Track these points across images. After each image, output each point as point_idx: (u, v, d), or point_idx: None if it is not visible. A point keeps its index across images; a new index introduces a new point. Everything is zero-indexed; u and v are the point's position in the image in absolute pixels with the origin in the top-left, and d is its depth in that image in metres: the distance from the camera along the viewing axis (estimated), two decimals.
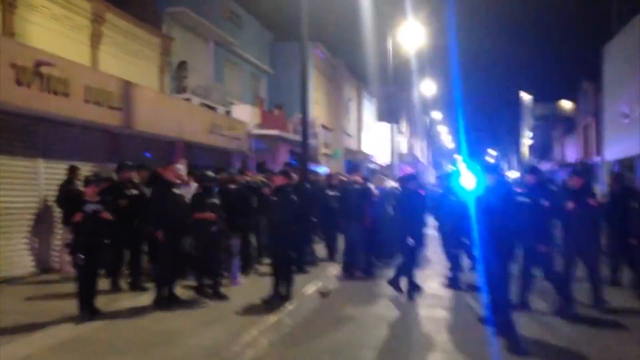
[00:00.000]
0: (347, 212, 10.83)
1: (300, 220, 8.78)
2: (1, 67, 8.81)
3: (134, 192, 9.02)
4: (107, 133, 12.23)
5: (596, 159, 40.18)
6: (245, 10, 23.80)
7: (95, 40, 13.99)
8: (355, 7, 26.91)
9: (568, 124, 54.56)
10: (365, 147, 40.55)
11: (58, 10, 12.45)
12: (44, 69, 9.62)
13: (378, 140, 43.69)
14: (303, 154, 12.01)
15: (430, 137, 65.36)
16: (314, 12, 17.90)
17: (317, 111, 29.61)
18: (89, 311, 6.96)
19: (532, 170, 8.76)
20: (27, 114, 9.84)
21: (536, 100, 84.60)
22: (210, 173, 8.79)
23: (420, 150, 63.85)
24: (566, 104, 69.25)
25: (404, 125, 54.05)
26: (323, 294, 9.36)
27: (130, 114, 12.21)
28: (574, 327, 7.09)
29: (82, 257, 6.84)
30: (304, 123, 12.06)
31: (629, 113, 32.58)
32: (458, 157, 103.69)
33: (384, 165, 44.68)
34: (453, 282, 9.78)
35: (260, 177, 12.07)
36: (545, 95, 75.85)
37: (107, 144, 12.34)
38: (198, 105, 16.50)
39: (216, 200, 8.28)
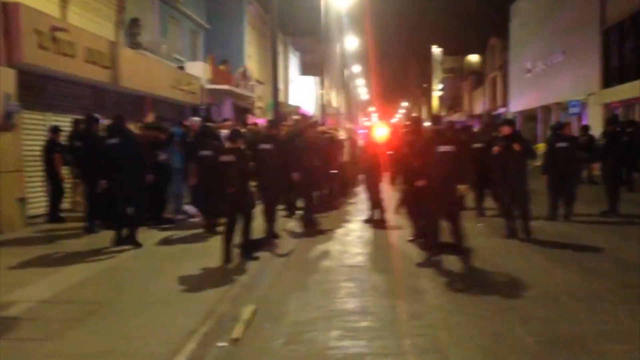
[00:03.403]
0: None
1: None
2: (28, 34, 10.15)
3: None
4: (95, 89, 13.59)
5: (502, 110, 44.08)
6: None
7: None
8: None
9: (476, 77, 58.45)
10: (292, 100, 42.41)
11: None
12: (57, 34, 10.97)
13: (302, 93, 45.67)
14: (276, 112, 13.88)
15: (348, 89, 67.77)
16: None
17: (251, 65, 31.16)
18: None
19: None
20: (39, 73, 11.14)
21: (445, 53, 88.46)
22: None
23: (338, 102, 66.28)
24: (473, 58, 73.49)
25: (325, 78, 56.12)
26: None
27: (117, 72, 13.63)
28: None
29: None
30: (275, 92, 13.90)
31: (531, 69, 36.25)
32: (371, 109, 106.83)
33: (309, 116, 46.83)
34: None
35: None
36: (454, 50, 79.65)
37: (94, 99, 13.70)
38: (164, 62, 17.85)
39: None
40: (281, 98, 40.54)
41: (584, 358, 4.55)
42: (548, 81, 32.33)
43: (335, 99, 63.45)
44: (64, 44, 11.25)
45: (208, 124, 11.88)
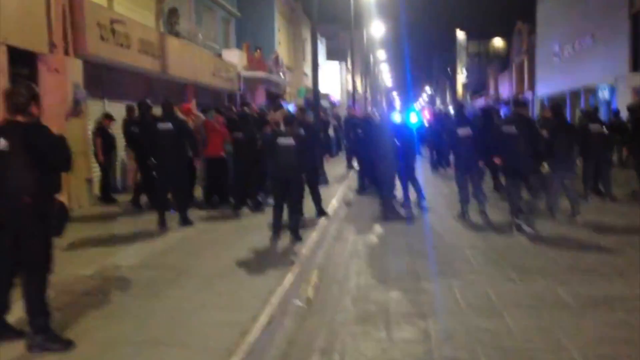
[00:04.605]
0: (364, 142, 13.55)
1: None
2: (91, 27, 10.90)
3: None
4: (144, 77, 14.35)
5: (528, 94, 44.11)
6: None
7: None
8: None
9: (502, 61, 58.28)
10: (320, 86, 43.00)
11: None
12: (116, 26, 11.71)
13: (328, 79, 46.21)
14: (316, 99, 14.48)
15: (373, 75, 68.01)
16: None
17: (281, 52, 31.76)
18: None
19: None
20: (98, 63, 11.90)
21: (470, 38, 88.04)
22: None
23: (363, 88, 66.65)
24: (498, 42, 73.18)
25: (350, 64, 56.60)
26: (347, 203, 12.18)
27: (165, 61, 14.37)
28: None
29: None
30: (314, 80, 14.40)
31: (559, 53, 36.28)
32: (394, 95, 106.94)
33: (336, 102, 47.49)
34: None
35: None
36: (479, 34, 79.27)
37: (144, 87, 14.47)
38: (205, 51, 18.56)
39: None
40: (309, 84, 41.26)
41: (620, 313, 5.16)
42: (576, 65, 32.38)
43: (360, 85, 63.91)
44: (121, 36, 12.01)
45: (245, 108, 12.46)
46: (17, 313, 4.43)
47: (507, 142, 8.31)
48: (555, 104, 10.61)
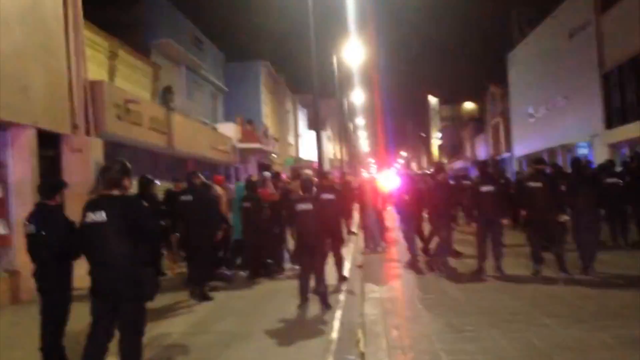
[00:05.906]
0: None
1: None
2: (109, 107, 11.39)
3: None
4: (151, 152, 14.79)
5: (506, 154, 45.43)
6: (203, 34, 26.42)
7: (112, 73, 16.40)
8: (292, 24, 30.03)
9: (476, 124, 60.08)
10: (303, 154, 43.87)
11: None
12: (130, 106, 12.22)
13: (310, 147, 47.14)
14: (320, 168, 15.04)
15: (351, 142, 69.32)
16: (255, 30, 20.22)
17: (268, 124, 32.63)
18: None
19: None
20: (112, 140, 12.33)
21: (441, 102, 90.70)
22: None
23: (343, 155, 67.78)
24: (469, 106, 75.58)
25: (330, 132, 57.87)
26: (359, 266, 12.48)
27: (171, 137, 14.86)
28: None
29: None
30: (319, 161, 14.99)
31: (533, 113, 37.74)
32: (371, 161, 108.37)
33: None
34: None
35: None
36: (451, 98, 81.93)
37: (150, 162, 14.89)
38: (205, 126, 19.16)
39: None
40: (293, 152, 42.13)
41: None
42: (552, 125, 33.62)
43: (339, 152, 64.98)
44: (134, 114, 12.51)
45: (251, 178, 12.81)
46: None
47: (533, 196, 9.12)
48: (575, 159, 11.03)
